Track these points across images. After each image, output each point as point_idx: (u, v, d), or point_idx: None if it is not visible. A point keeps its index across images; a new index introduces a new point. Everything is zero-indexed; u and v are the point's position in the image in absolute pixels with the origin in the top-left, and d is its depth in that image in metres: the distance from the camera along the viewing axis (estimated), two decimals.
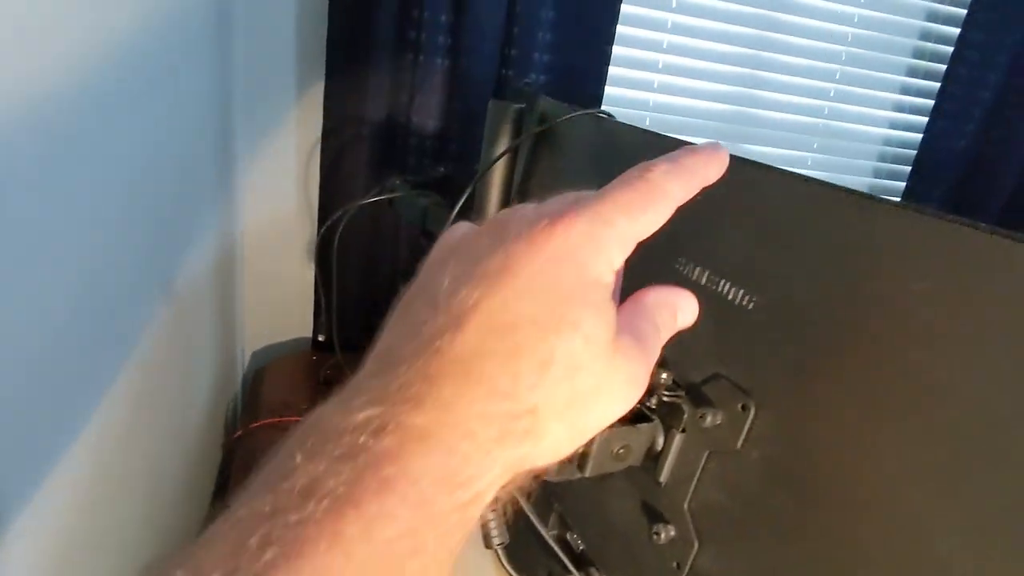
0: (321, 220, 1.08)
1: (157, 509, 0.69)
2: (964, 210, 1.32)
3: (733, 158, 0.28)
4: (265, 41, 1.01)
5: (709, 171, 0.23)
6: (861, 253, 0.22)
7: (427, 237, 0.59)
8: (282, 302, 1.17)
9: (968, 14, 1.19)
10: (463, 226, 0.23)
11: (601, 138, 0.39)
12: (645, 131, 0.34)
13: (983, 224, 0.19)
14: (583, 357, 0.20)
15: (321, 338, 0.87)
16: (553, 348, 0.19)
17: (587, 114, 0.40)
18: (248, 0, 0.98)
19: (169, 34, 0.62)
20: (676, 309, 0.24)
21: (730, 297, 0.26)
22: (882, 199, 0.22)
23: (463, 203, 0.48)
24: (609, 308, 0.21)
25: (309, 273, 1.15)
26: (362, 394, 0.19)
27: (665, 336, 0.23)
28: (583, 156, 0.41)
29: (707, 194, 0.29)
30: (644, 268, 0.32)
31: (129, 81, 0.50)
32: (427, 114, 1.05)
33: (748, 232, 0.26)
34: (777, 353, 0.24)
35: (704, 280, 0.28)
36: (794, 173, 0.25)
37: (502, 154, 0.46)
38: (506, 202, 0.50)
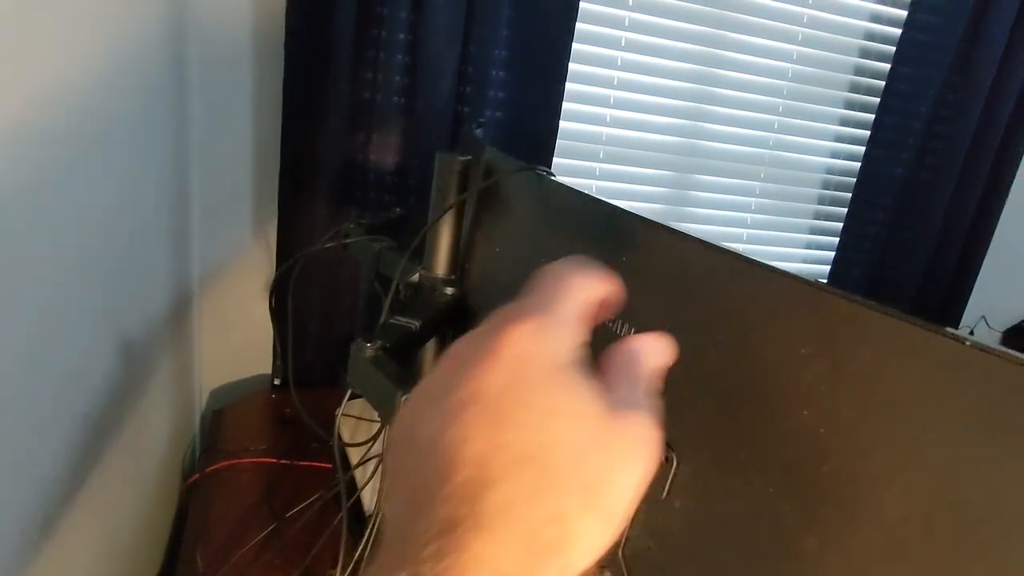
0: (279, 258, 1.08)
1: (111, 556, 0.67)
2: (903, 231, 1.39)
3: (651, 223, 0.30)
4: (221, 83, 1.02)
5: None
6: (758, 318, 0.24)
7: (380, 280, 0.60)
8: (241, 341, 1.16)
9: (897, 51, 1.27)
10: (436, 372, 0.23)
11: (541, 193, 0.41)
12: (576, 191, 0.37)
13: (856, 296, 0.21)
14: (577, 441, 0.19)
15: (277, 381, 0.87)
16: (546, 448, 0.19)
17: (527, 171, 0.42)
18: (203, 40, 0.99)
19: (124, 80, 0.62)
20: (650, 353, 0.24)
21: None
22: (774, 268, 0.24)
23: (413, 249, 0.50)
24: (583, 384, 0.20)
25: (267, 312, 1.14)
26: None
27: (653, 382, 0.23)
28: (526, 207, 0.43)
29: (632, 257, 0.31)
30: None
31: (83, 125, 0.51)
32: (385, 151, 1.07)
33: (664, 293, 0.28)
34: (693, 409, 0.26)
35: (625, 333, 0.29)
36: (700, 240, 0.27)
37: (447, 209, 0.48)
38: (456, 249, 0.52)
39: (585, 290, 0.23)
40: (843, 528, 0.21)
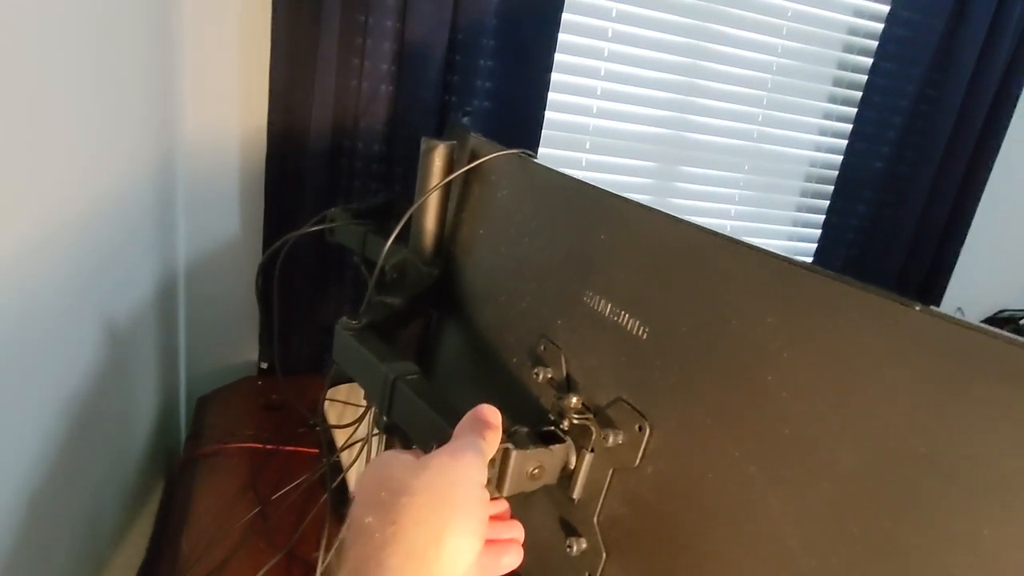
0: (265, 245, 1.08)
1: (96, 540, 0.68)
2: (883, 222, 1.42)
3: (629, 201, 0.31)
4: (207, 67, 1.01)
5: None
6: (726, 289, 0.25)
7: (366, 263, 0.61)
8: (227, 328, 1.15)
9: (879, 46, 1.29)
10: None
11: (524, 175, 0.42)
12: (558, 172, 0.38)
13: (816, 268, 0.22)
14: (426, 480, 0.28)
15: (264, 365, 0.87)
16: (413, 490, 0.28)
17: (509, 154, 0.42)
18: (190, 26, 0.98)
19: (106, 61, 0.62)
20: (487, 415, 0.31)
21: (628, 327, 0.29)
22: (739, 241, 0.25)
23: (398, 232, 0.51)
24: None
25: (254, 298, 1.14)
26: None
27: (491, 432, 0.30)
28: (509, 190, 0.44)
29: (610, 234, 0.32)
30: (555, 302, 0.35)
31: (67, 108, 0.51)
32: (372, 140, 1.07)
33: (641, 269, 0.29)
34: (665, 379, 0.27)
35: (608, 312, 0.30)
36: (673, 216, 0.28)
37: (431, 191, 0.48)
38: (441, 232, 0.52)
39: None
40: (803, 486, 0.22)
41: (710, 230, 0.26)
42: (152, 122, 0.82)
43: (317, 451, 0.87)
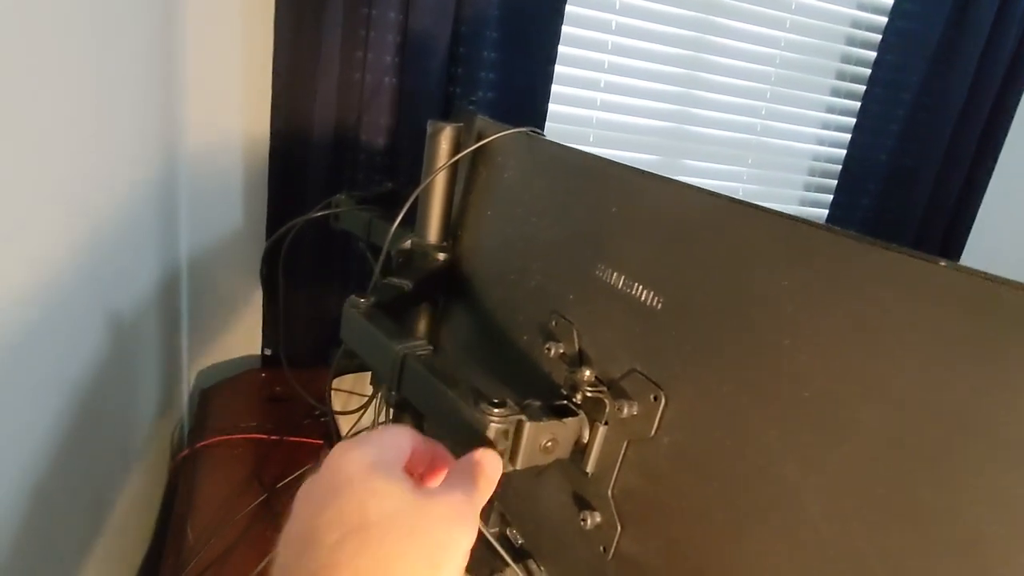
0: (269, 237, 1.08)
1: (100, 532, 0.67)
2: (887, 215, 1.42)
3: (640, 172, 0.31)
4: (210, 59, 1.01)
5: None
6: (740, 254, 0.25)
7: (372, 250, 0.61)
8: (230, 318, 1.15)
9: (882, 39, 1.29)
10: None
11: (532, 154, 0.42)
12: (565, 147, 0.37)
13: (836, 228, 0.22)
14: (391, 511, 0.25)
15: (268, 352, 0.87)
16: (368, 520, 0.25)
17: (517, 132, 0.42)
18: (194, 17, 0.98)
19: (110, 56, 0.62)
20: (486, 462, 0.28)
21: (642, 299, 0.29)
22: (754, 206, 0.25)
23: (404, 215, 0.50)
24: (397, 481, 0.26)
25: (257, 290, 1.14)
26: None
27: (484, 481, 0.28)
28: (517, 169, 0.44)
29: (620, 206, 0.31)
30: (566, 278, 0.35)
31: (71, 101, 0.50)
32: (376, 131, 1.07)
33: (654, 239, 0.29)
34: (680, 348, 0.27)
35: (620, 284, 0.30)
36: (687, 184, 0.28)
37: (438, 171, 0.48)
38: (447, 215, 0.52)
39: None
40: (824, 450, 0.22)
41: (721, 195, 0.26)
42: (155, 114, 0.82)
43: (322, 441, 0.87)
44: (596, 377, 0.32)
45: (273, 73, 1.00)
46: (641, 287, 0.29)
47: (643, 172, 0.30)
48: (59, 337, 0.52)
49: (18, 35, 0.40)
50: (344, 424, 0.85)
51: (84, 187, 0.56)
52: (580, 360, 0.32)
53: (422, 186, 0.48)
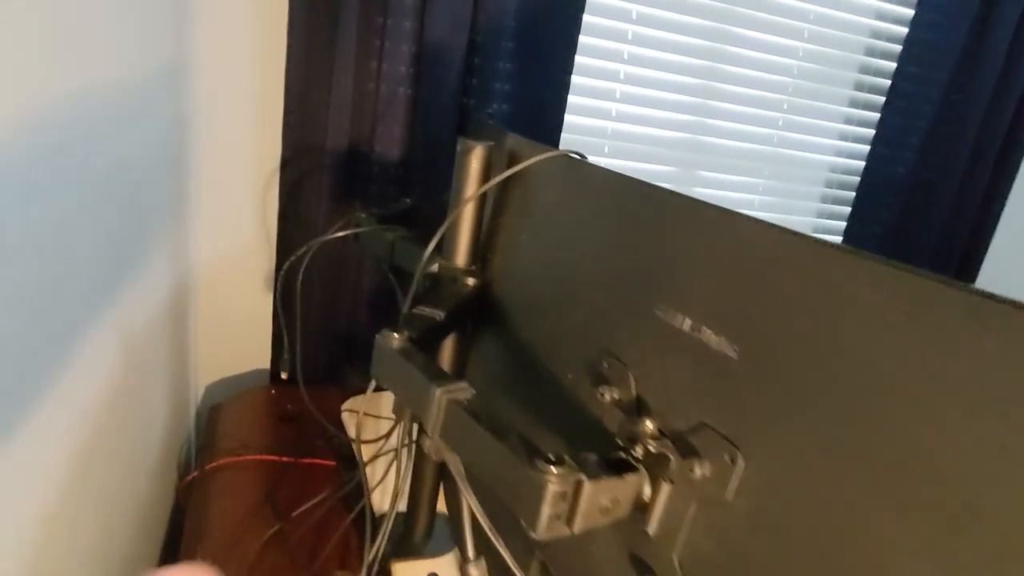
0: (280, 251, 1.06)
1: (105, 557, 0.65)
2: (907, 231, 1.39)
3: (706, 205, 0.28)
4: (222, 69, 0.99)
5: None
6: (835, 303, 0.22)
7: (395, 272, 0.58)
8: (239, 335, 1.13)
9: (903, 50, 1.27)
10: None
11: (573, 177, 0.39)
12: (616, 174, 0.35)
13: (952, 280, 0.19)
14: None
15: (284, 376, 0.84)
16: None
17: (559, 155, 0.40)
18: (205, 28, 0.96)
19: (122, 67, 0.60)
20: None
21: (713, 345, 0.26)
22: (851, 251, 0.22)
23: (428, 236, 0.48)
24: None
25: (267, 305, 1.12)
26: None
27: None
28: (555, 193, 0.41)
29: (682, 240, 0.29)
30: (619, 315, 0.32)
31: (82, 115, 0.48)
32: (390, 143, 1.05)
33: (727, 280, 0.26)
34: (761, 403, 0.24)
35: (686, 327, 0.28)
36: (763, 220, 0.26)
37: (471, 198, 0.46)
38: (477, 237, 0.50)
39: None
40: (937, 536, 0.20)
41: (805, 235, 0.24)
42: (164, 125, 0.80)
43: (335, 463, 0.84)
44: (659, 429, 0.29)
45: (286, 82, 0.98)
46: (712, 332, 0.26)
47: (709, 205, 0.28)
48: (67, 358, 0.50)
49: (24, 40, 0.38)
50: (353, 434, 0.83)
51: (94, 203, 0.54)
52: (638, 409, 0.30)
53: (454, 214, 0.45)
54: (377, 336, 0.36)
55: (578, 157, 0.39)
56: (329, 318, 1.08)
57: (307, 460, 0.85)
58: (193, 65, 0.95)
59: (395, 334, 0.36)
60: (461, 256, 0.49)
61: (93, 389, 0.57)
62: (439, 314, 0.41)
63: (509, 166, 0.48)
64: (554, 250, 0.40)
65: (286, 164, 1.03)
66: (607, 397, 0.31)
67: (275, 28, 0.99)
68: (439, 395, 0.30)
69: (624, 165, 1.25)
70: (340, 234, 0.59)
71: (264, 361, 1.16)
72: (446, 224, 0.45)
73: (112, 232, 0.59)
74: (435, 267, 0.49)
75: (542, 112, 1.12)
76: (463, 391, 0.31)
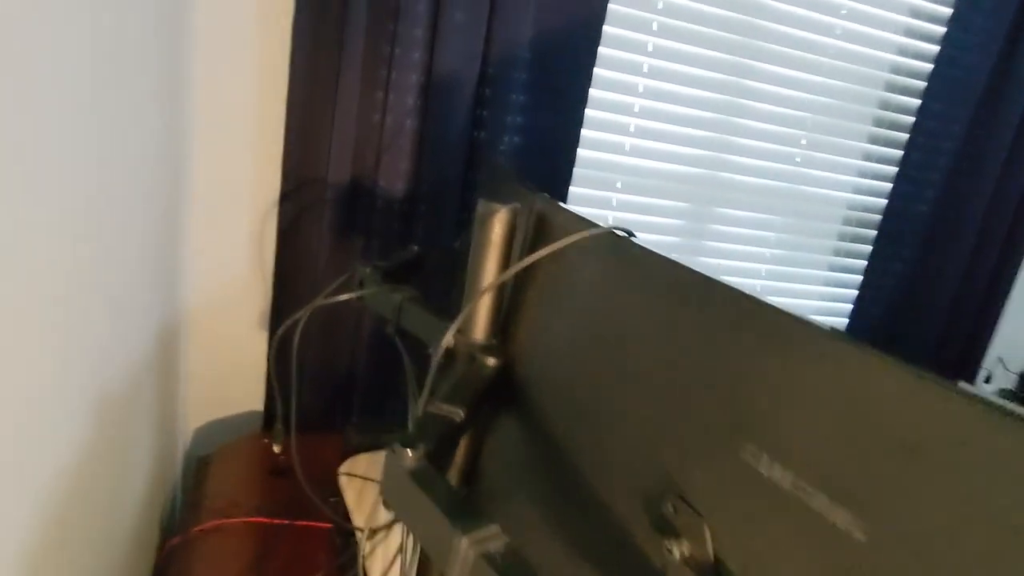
0: (276, 289, 1.00)
1: None
2: (927, 268, 1.34)
3: (799, 321, 0.23)
4: (220, 98, 0.94)
5: None
6: (998, 479, 0.17)
7: (400, 335, 0.52)
8: (231, 374, 1.07)
9: (927, 87, 1.23)
10: None
11: (616, 258, 0.34)
12: (677, 264, 0.29)
13: None
14: None
15: (277, 450, 0.78)
16: None
17: (605, 231, 0.34)
18: (202, 49, 0.91)
19: (112, 89, 0.54)
20: None
21: (825, 514, 0.21)
22: (1010, 411, 0.17)
23: (442, 308, 0.42)
24: None
25: (261, 344, 1.06)
26: None
27: None
28: (599, 275, 0.36)
29: (783, 368, 0.23)
30: (691, 446, 0.26)
31: (64, 130, 0.43)
32: (395, 177, 0.99)
33: (839, 428, 0.21)
34: None
35: (789, 486, 0.22)
36: (889, 358, 0.20)
37: (503, 278, 0.40)
38: (498, 309, 0.44)
39: None
40: None
41: (967, 392, 0.18)
42: (157, 156, 0.75)
43: (331, 526, 0.78)
44: None
45: (286, 112, 0.94)
46: (826, 499, 0.21)
47: (807, 323, 0.22)
48: (42, 418, 0.44)
49: (19, 65, 0.32)
50: (357, 512, 0.76)
51: (74, 241, 0.48)
52: (717, 572, 0.24)
53: (480, 295, 0.40)
54: (387, 453, 0.30)
55: (626, 235, 0.33)
56: (325, 361, 1.02)
57: (301, 523, 0.78)
58: (188, 89, 0.89)
59: (409, 450, 0.30)
60: (480, 330, 0.44)
61: (61, 459, 0.50)
62: (458, 413, 0.35)
63: (537, 230, 0.42)
64: (597, 341, 0.35)
65: (285, 198, 0.98)
66: (676, 553, 0.25)
67: (277, 55, 0.95)
68: (465, 547, 0.25)
69: (637, 201, 1.20)
70: (342, 297, 0.53)
71: (257, 402, 1.10)
72: (466, 311, 0.39)
73: (92, 273, 0.54)
74: (450, 340, 0.43)
75: (555, 146, 1.07)
76: (494, 539, 0.25)
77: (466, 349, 0.44)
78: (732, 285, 0.26)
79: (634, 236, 0.33)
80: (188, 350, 1.03)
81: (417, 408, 0.36)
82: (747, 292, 0.25)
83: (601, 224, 0.34)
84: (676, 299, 0.28)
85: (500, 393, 0.44)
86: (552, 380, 0.38)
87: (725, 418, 0.24)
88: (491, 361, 0.42)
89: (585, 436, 0.34)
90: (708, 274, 0.27)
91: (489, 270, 0.42)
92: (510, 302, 0.44)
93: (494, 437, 0.45)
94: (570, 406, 0.36)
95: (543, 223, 0.41)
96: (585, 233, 0.34)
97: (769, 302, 0.24)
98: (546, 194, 0.42)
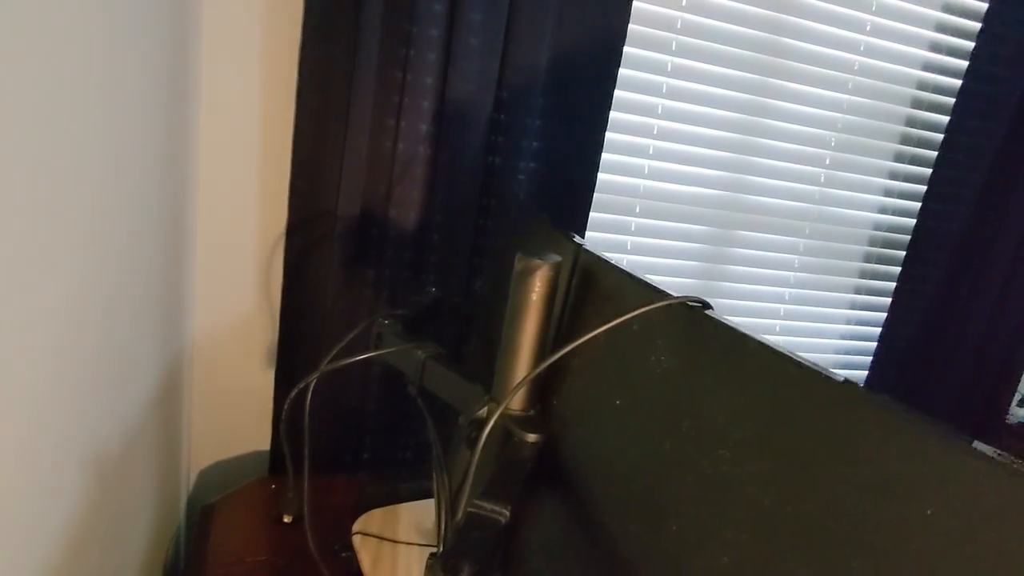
0: (284, 327, 0.95)
1: None
2: (959, 288, 1.29)
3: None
4: (225, 125, 0.90)
5: None
6: None
7: (423, 396, 0.48)
8: (237, 414, 1.02)
9: (957, 103, 1.18)
10: None
11: (687, 332, 0.29)
12: (770, 348, 0.25)
13: None
14: None
15: (287, 519, 0.73)
16: None
17: (679, 303, 0.30)
18: (210, 75, 0.87)
19: (114, 105, 0.50)
20: None
21: None
22: None
23: (472, 373, 0.37)
24: None
25: (268, 381, 1.01)
26: None
27: None
28: (670, 352, 0.31)
29: (944, 512, 0.18)
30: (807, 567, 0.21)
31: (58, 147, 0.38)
32: (408, 206, 0.95)
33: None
34: None
35: None
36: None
37: (558, 354, 0.35)
38: (538, 376, 0.39)
39: None
40: None
41: None
42: (160, 187, 0.71)
43: None
44: None
45: (294, 140, 0.90)
46: None
47: (887, 403, 0.17)
48: (41, 478, 0.39)
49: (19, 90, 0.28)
50: (368, 566, 0.71)
51: (73, 277, 0.43)
52: None
53: (538, 371, 0.35)
54: (426, 566, 0.26)
55: (699, 306, 0.28)
56: (335, 397, 0.97)
57: None
58: (194, 119, 0.86)
59: (447, 564, 0.25)
60: (517, 399, 0.39)
61: (60, 520, 0.46)
62: (504, 514, 0.30)
63: (582, 288, 0.38)
64: (669, 429, 0.30)
65: (292, 228, 0.94)
66: None
67: (284, 82, 0.91)
68: None
69: (657, 225, 1.16)
70: (361, 357, 0.48)
71: (263, 441, 1.05)
72: (513, 392, 0.34)
73: (92, 311, 0.49)
74: (483, 411, 0.39)
75: (573, 171, 1.03)
76: None
77: (501, 421, 0.39)
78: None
79: (710, 308, 0.28)
80: (192, 389, 0.98)
81: (447, 497, 0.31)
82: (881, 401, 0.20)
83: (671, 293, 0.29)
84: (768, 388, 0.24)
85: (539, 469, 0.39)
86: (605, 464, 0.33)
87: (849, 548, 0.19)
88: (531, 437, 0.37)
89: (646, 534, 0.29)
90: (810, 362, 0.22)
91: (530, 332, 0.37)
92: (552, 368, 0.39)
93: (533, 521, 0.39)
94: (627, 495, 0.31)
95: (589, 280, 0.37)
96: (656, 305, 0.29)
97: (891, 404, 0.19)
98: (584, 242, 0.37)
